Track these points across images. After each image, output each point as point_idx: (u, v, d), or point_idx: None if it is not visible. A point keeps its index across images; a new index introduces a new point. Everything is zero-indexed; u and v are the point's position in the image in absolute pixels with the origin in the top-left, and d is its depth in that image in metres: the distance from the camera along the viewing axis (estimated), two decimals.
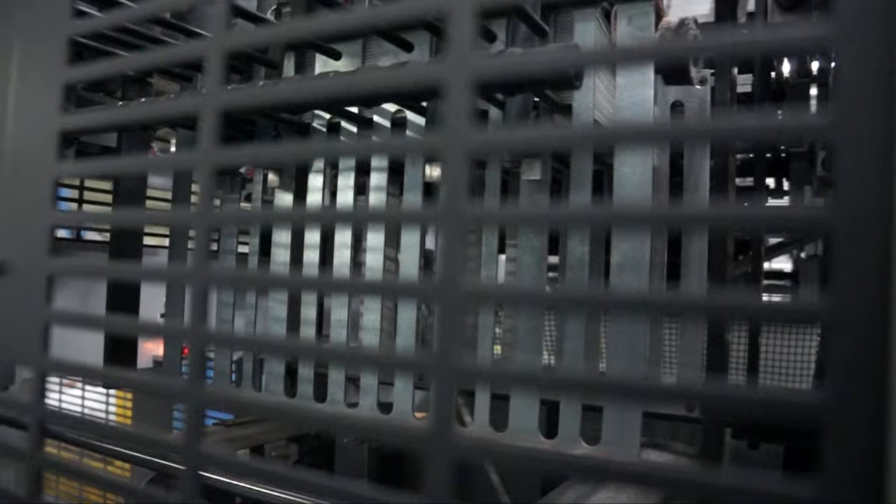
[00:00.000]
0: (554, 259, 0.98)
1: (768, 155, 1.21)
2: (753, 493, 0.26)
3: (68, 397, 1.75)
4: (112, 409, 1.72)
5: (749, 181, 1.24)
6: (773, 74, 1.12)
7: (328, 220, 0.64)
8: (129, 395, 1.67)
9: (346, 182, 0.88)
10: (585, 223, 0.41)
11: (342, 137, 0.88)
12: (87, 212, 1.22)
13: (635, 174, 0.71)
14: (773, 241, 1.51)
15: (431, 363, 0.29)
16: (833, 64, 0.26)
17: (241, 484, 0.47)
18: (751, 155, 1.19)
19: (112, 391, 1.69)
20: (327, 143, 0.61)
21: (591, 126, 0.68)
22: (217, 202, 1.04)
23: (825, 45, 0.26)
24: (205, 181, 0.38)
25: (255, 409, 0.33)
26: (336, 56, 0.85)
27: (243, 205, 1.06)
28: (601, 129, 0.33)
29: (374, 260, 0.86)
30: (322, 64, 0.89)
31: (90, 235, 1.91)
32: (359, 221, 0.36)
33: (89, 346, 1.10)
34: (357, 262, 0.97)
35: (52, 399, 1.74)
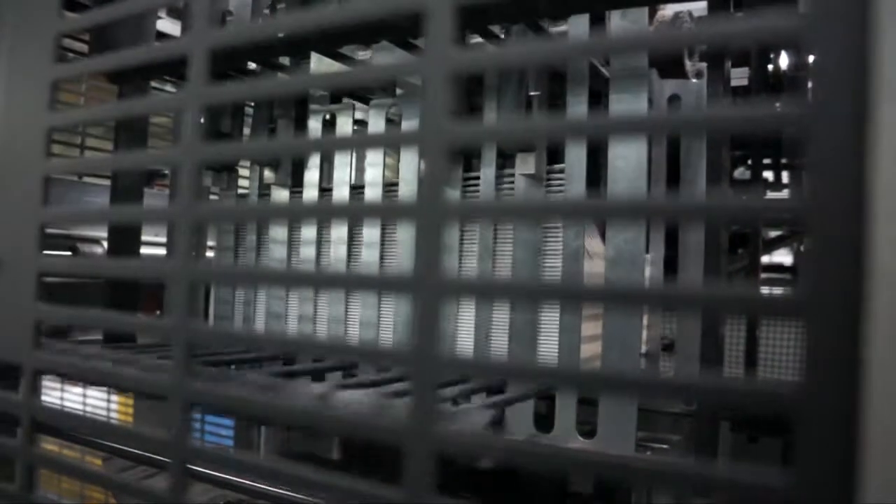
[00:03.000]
0: None
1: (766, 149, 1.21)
2: (728, 484, 0.26)
3: (70, 395, 1.76)
4: (114, 407, 1.73)
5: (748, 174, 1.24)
6: (770, 67, 1.12)
7: (300, 215, 0.64)
8: (131, 394, 1.67)
9: (341, 177, 0.88)
10: (565, 216, 0.42)
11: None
12: (75, 209, 1.22)
13: (629, 167, 0.71)
14: (774, 234, 1.51)
15: (409, 355, 0.29)
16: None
17: (229, 478, 0.48)
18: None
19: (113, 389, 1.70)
20: (302, 138, 0.61)
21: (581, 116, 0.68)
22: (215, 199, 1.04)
23: (798, 35, 0.26)
24: (189, 177, 0.38)
25: (238, 404, 0.34)
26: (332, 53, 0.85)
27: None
28: (576, 121, 0.33)
29: (369, 255, 0.86)
30: (317, 59, 0.89)
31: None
32: (330, 215, 0.36)
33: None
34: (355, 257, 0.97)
35: (54, 398, 1.75)
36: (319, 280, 0.37)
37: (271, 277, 0.47)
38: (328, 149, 0.47)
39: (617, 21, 0.75)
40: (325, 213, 0.40)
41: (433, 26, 0.30)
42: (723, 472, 0.25)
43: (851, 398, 0.24)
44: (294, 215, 0.58)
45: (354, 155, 0.91)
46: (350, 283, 0.37)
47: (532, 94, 0.75)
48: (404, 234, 0.83)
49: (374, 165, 0.85)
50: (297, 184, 0.93)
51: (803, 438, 0.24)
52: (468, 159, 0.81)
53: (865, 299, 0.24)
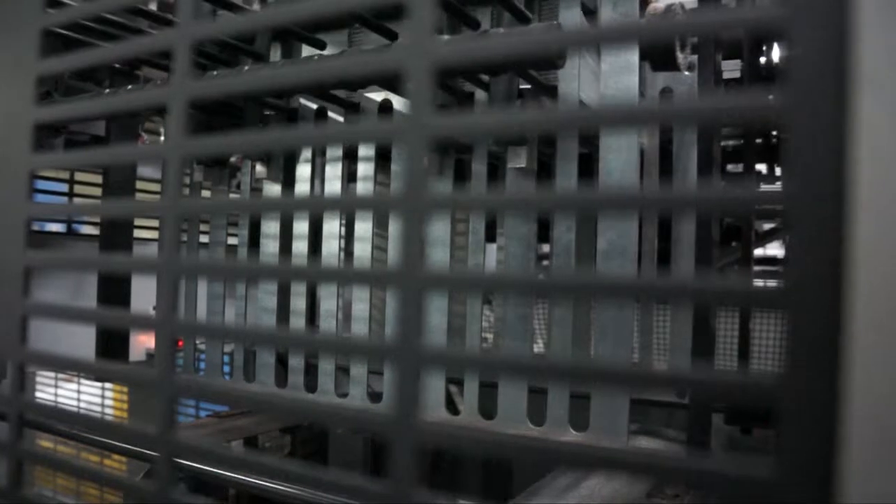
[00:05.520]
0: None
1: (759, 141, 1.21)
2: (712, 475, 0.26)
3: (64, 391, 1.76)
4: (108, 402, 1.72)
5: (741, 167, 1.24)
6: (763, 60, 1.11)
7: (288, 208, 0.64)
8: (125, 390, 1.67)
9: (333, 171, 0.88)
10: (550, 208, 0.41)
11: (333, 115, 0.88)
12: (62, 204, 1.22)
13: (620, 160, 0.71)
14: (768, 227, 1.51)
15: (392, 348, 0.29)
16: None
17: (215, 471, 0.48)
18: (741, 141, 1.18)
19: (108, 385, 1.70)
20: (287, 131, 0.60)
21: (575, 107, 0.68)
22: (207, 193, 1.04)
23: (780, 25, 0.26)
24: (174, 171, 0.38)
25: (223, 396, 0.33)
26: (321, 46, 0.85)
27: (232, 195, 1.06)
28: (562, 113, 0.33)
29: (361, 249, 0.86)
30: (308, 54, 0.88)
31: (85, 229, 1.91)
32: (318, 209, 0.36)
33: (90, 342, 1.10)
34: (349, 251, 0.98)
35: (48, 394, 1.75)
36: (307, 274, 0.37)
37: (259, 272, 0.47)
38: (315, 142, 0.47)
39: (608, 14, 0.75)
40: (312, 206, 0.40)
41: (414, 18, 0.30)
42: (705, 463, 0.25)
43: (832, 389, 0.24)
44: (282, 209, 0.58)
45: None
46: (337, 276, 0.36)
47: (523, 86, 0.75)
48: (395, 229, 0.83)
49: (366, 159, 0.85)
50: (289, 178, 0.93)
51: (784, 428, 0.24)
52: None
53: (846, 292, 0.24)
